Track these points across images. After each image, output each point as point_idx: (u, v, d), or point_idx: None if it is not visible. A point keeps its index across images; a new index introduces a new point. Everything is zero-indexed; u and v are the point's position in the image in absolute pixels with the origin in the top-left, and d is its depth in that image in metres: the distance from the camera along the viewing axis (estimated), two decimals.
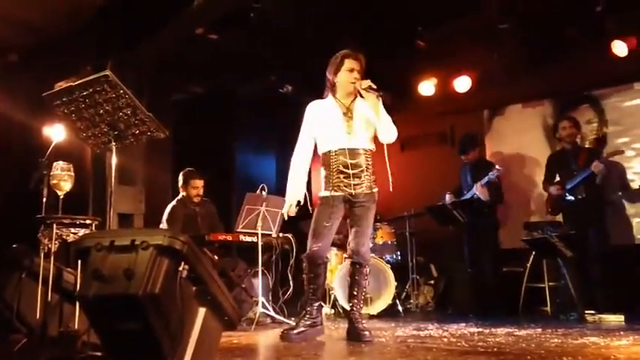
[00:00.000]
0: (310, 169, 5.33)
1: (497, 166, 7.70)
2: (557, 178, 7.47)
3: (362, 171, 5.02)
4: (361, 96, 5.07)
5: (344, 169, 5.00)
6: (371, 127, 5.09)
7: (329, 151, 5.08)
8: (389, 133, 5.05)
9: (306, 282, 5.08)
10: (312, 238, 5.02)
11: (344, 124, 5.06)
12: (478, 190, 7.65)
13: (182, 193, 7.45)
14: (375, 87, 4.87)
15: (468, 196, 7.79)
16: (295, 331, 4.94)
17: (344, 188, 5.01)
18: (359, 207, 5.05)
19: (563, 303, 7.13)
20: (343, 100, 5.16)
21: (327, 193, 5.06)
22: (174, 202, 7.37)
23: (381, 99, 4.94)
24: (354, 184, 5.01)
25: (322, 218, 5.02)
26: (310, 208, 5.28)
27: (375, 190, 5.11)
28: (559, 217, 7.65)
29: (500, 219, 8.14)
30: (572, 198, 7.16)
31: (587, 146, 7.95)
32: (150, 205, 8.09)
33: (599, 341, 4.64)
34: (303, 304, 5.13)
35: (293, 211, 5.18)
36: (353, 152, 5.02)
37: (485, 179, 7.61)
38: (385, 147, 5.12)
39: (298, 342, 4.84)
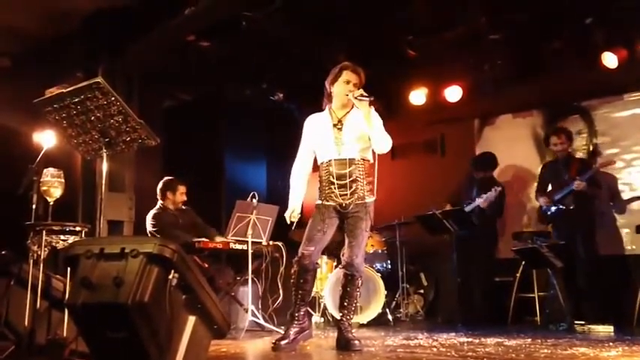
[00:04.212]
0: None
1: (495, 187, 7.74)
2: (550, 188, 7.49)
3: (353, 181, 4.99)
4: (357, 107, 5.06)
5: (333, 180, 5.01)
6: (363, 138, 5.05)
7: (322, 163, 5.12)
8: (381, 142, 4.98)
9: (295, 287, 5.06)
10: (304, 242, 5.03)
11: (333, 135, 5.07)
12: (483, 204, 7.69)
13: (161, 202, 7.34)
14: (366, 94, 4.87)
15: (471, 207, 7.79)
16: (285, 341, 4.91)
17: (334, 198, 5.01)
18: (350, 217, 5.03)
19: (553, 313, 7.13)
20: (337, 111, 5.17)
21: (319, 202, 5.10)
22: (156, 211, 7.29)
23: (373, 106, 4.93)
24: (343, 195, 5.00)
25: (315, 224, 5.03)
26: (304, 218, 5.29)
27: (369, 200, 5.06)
28: (549, 227, 7.66)
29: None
30: (562, 207, 7.18)
31: (579, 156, 7.92)
32: (140, 213, 8.04)
33: (589, 352, 4.65)
34: (292, 312, 5.11)
35: (295, 217, 5.18)
36: (341, 163, 5.02)
37: (485, 197, 7.66)
38: (376, 156, 5.12)
39: (289, 351, 4.83)
